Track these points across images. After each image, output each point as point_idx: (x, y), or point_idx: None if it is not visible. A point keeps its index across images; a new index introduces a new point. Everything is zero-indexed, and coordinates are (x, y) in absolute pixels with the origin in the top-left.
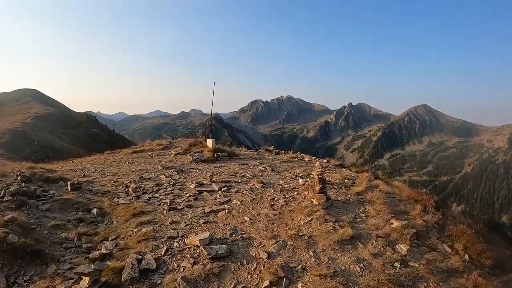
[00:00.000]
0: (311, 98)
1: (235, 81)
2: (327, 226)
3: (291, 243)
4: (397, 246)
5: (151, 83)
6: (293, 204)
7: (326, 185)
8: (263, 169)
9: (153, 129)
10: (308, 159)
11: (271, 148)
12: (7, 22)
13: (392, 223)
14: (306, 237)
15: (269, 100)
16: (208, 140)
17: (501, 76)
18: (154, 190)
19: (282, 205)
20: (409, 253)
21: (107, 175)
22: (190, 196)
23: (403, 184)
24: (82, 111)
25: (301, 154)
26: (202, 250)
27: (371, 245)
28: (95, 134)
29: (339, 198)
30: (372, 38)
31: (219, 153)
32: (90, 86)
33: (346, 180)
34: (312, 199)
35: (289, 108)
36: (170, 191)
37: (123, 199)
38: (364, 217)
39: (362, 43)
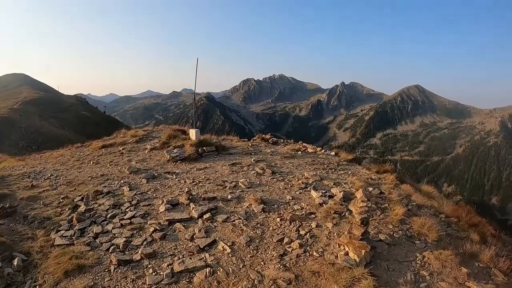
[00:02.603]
0: (304, 77)
1: (227, 60)
2: None
3: None
4: None
5: (142, 64)
6: (315, 254)
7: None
8: (261, 171)
9: (144, 109)
10: (312, 151)
11: (268, 137)
12: None
13: None
14: None
15: (261, 79)
16: (191, 130)
17: (496, 60)
18: (108, 216)
19: (298, 255)
20: None
21: (60, 185)
22: (155, 231)
23: (435, 189)
24: (72, 94)
25: (303, 144)
26: None
27: None
28: (86, 117)
29: (381, 237)
30: (366, 15)
31: (204, 148)
32: (82, 68)
33: (371, 189)
34: (347, 247)
35: (281, 87)
36: (129, 220)
37: (61, 236)
38: (428, 278)
39: (356, 19)
